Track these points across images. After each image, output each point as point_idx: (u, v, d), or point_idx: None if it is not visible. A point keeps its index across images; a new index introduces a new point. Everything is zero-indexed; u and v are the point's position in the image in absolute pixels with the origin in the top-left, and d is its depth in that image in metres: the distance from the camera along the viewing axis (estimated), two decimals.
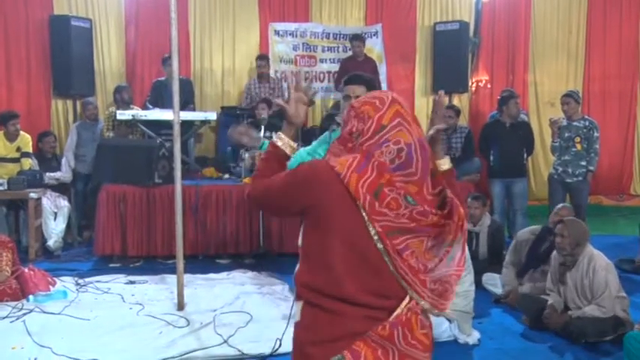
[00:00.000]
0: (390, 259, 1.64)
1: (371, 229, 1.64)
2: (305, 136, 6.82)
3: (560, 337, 4.02)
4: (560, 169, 6.14)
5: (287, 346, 3.72)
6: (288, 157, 1.89)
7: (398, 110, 1.72)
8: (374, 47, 8.34)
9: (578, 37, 8.88)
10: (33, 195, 6.04)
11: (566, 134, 6.10)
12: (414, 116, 1.76)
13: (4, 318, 4.25)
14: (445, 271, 1.70)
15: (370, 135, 1.69)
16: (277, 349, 3.71)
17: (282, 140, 1.88)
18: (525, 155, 6.74)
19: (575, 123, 6.09)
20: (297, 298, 1.76)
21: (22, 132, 6.51)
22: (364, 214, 1.63)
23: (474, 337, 3.97)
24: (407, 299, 1.69)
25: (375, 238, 1.64)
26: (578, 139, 6.07)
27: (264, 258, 6.00)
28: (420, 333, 1.69)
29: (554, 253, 4.28)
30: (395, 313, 1.66)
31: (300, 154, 2.89)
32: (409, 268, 1.65)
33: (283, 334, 3.76)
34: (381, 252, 1.64)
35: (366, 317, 1.65)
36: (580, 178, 6.05)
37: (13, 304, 4.50)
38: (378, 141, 1.68)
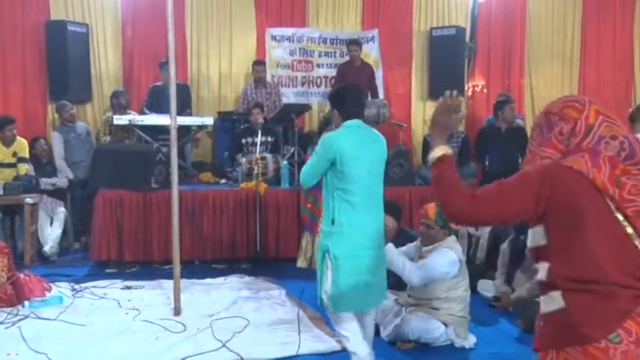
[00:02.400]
0: None
1: (619, 215, 1.78)
2: (301, 140, 6.83)
3: None
4: None
5: (285, 351, 3.75)
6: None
7: (597, 109, 1.86)
8: (370, 52, 8.36)
9: (573, 42, 8.92)
10: (29, 200, 6.03)
11: None
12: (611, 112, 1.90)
13: None
14: None
15: (583, 135, 1.84)
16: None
17: (446, 149, 1.97)
18: (520, 160, 6.76)
19: None
20: (552, 288, 1.87)
21: (18, 137, 6.50)
22: (611, 203, 1.78)
23: (470, 341, 3.97)
24: None
25: (625, 223, 1.78)
26: None
27: (261, 263, 6.00)
28: None
29: None
30: None
31: None
32: None
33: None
34: (631, 236, 1.79)
35: (631, 296, 1.79)
36: None
37: (8, 309, 4.47)
38: (592, 139, 1.82)
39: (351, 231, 3.17)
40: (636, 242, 1.79)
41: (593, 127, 1.83)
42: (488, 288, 5.01)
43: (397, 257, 3.80)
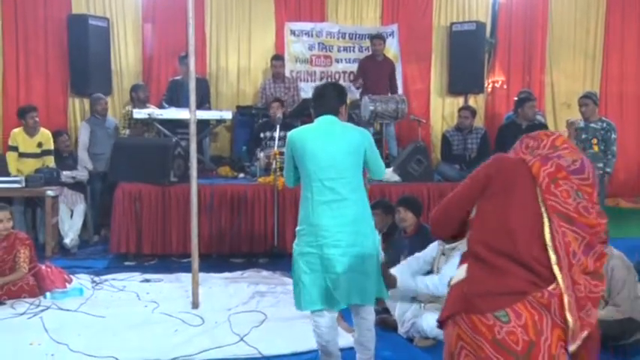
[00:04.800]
0: (551, 234, 1.91)
1: (542, 205, 1.94)
2: None
3: None
4: None
5: (302, 345, 3.75)
6: None
7: (566, 140, 2.10)
8: (390, 47, 8.31)
9: (596, 37, 8.79)
10: (50, 193, 6.11)
11: (583, 136, 6.04)
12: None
13: (21, 314, 4.31)
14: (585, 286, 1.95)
15: (546, 150, 2.04)
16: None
17: None
18: None
19: (592, 124, 6.03)
20: (462, 262, 2.05)
21: (42, 128, 6.59)
22: (539, 191, 1.95)
23: None
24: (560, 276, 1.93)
25: (545, 214, 1.93)
26: (595, 141, 6.01)
27: (279, 257, 6.00)
28: (568, 314, 1.91)
29: None
30: (552, 286, 1.90)
31: None
32: (566, 245, 1.90)
33: None
34: (545, 229, 1.92)
35: (528, 280, 1.90)
36: (596, 180, 5.98)
37: (30, 300, 4.55)
38: (554, 152, 2.02)
39: (308, 229, 3.14)
40: (547, 233, 1.92)
41: (557, 148, 2.04)
42: None
43: (414, 282, 3.74)
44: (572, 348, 1.93)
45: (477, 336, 1.90)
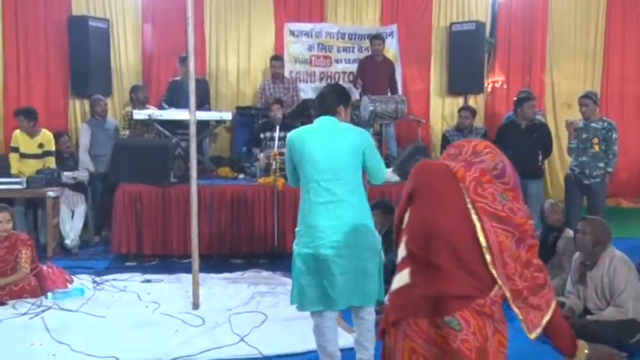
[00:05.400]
0: (484, 235, 1.93)
1: (471, 208, 1.96)
2: None
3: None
4: (578, 170, 6.08)
5: (302, 346, 3.76)
6: None
7: (488, 144, 2.14)
8: (389, 48, 8.32)
9: (597, 37, 8.78)
10: (51, 194, 6.13)
11: (584, 135, 6.04)
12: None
13: (23, 314, 4.32)
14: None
15: (468, 156, 2.07)
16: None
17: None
18: (541, 157, 6.67)
19: (593, 124, 6.02)
20: (402, 267, 2.04)
21: (43, 130, 6.62)
22: (467, 195, 1.97)
23: None
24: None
25: (475, 217, 1.95)
26: (595, 141, 6.00)
27: (279, 258, 6.01)
28: (513, 305, 2.02)
29: (577, 254, 4.25)
30: (493, 292, 1.95)
31: None
32: (499, 244, 1.93)
33: None
34: (477, 230, 1.94)
35: (471, 285, 1.93)
36: (598, 180, 5.99)
37: (32, 300, 4.57)
38: (477, 158, 2.05)
39: (305, 230, 3.16)
40: (480, 237, 1.94)
41: (479, 154, 2.07)
42: None
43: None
44: (533, 336, 2.06)
45: (433, 347, 1.93)
